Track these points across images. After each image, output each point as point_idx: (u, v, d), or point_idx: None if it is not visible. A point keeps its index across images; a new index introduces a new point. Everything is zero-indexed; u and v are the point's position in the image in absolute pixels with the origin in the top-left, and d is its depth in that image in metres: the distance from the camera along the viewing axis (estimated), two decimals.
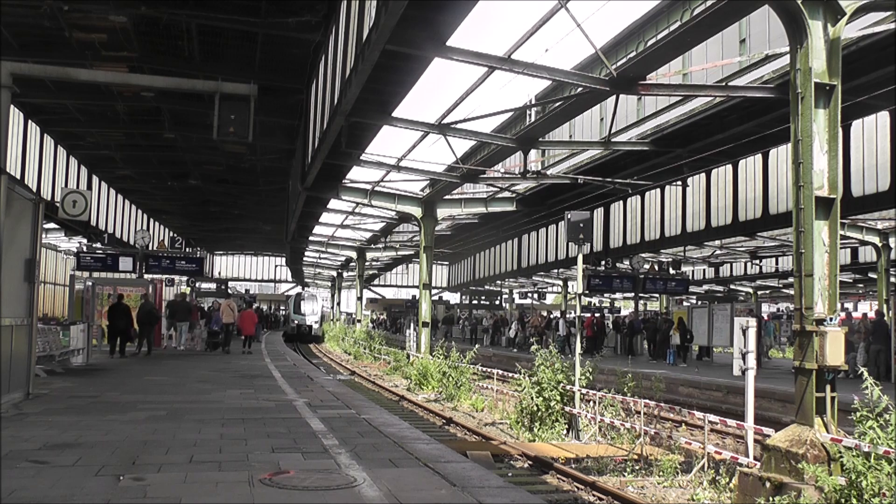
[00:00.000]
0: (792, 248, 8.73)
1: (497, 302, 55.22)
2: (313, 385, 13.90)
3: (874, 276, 27.67)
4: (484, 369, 18.49)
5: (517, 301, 56.20)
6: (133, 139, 25.85)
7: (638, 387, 11.94)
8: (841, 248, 17.68)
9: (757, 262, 35.20)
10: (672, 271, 31.10)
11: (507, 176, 22.99)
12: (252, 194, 34.45)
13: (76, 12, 15.61)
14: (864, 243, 25.56)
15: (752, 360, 9.16)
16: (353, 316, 48.11)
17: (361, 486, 5.43)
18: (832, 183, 7.93)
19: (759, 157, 21.13)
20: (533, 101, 21.01)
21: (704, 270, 41.65)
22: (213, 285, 51.82)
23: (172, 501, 4.93)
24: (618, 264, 30.34)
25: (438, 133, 16.99)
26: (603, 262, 29.27)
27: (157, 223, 44.15)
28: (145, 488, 5.25)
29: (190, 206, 38.54)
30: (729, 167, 22.48)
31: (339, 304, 58.64)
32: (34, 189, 23.02)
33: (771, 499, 7.11)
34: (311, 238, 38.19)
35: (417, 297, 29.83)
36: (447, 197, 24.36)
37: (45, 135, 25.26)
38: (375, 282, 65.74)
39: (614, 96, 14.09)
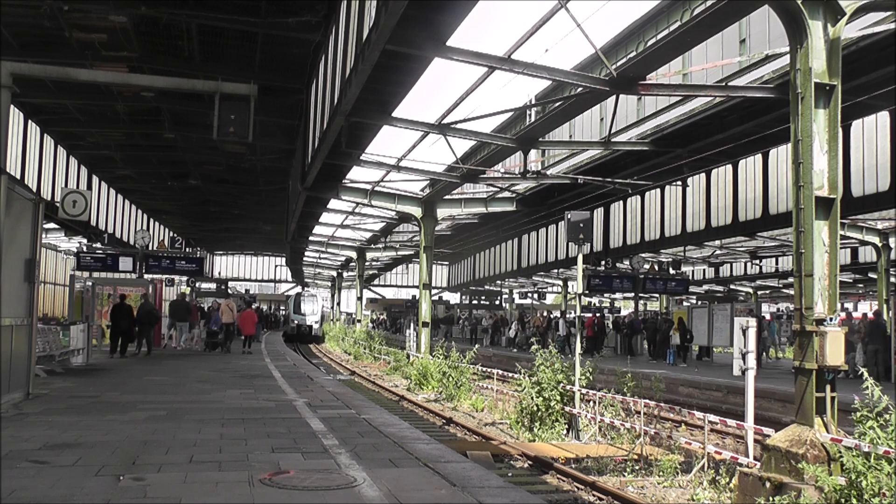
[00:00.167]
0: (792, 248, 8.73)
1: (497, 302, 55.22)
2: (313, 385, 13.90)
3: (874, 276, 27.67)
4: (484, 369, 18.50)
5: (517, 301, 56.20)
6: (133, 139, 25.84)
7: (638, 387, 11.94)
8: (841, 248, 17.68)
9: (757, 262, 35.20)
10: (672, 271, 31.11)
11: (507, 176, 22.99)
12: (252, 194, 34.44)
13: (76, 12, 15.60)
14: (864, 243, 25.56)
15: (751, 360, 9.16)
16: (353, 316, 48.11)
17: (361, 486, 5.43)
18: (832, 183, 7.93)
19: (759, 157, 21.13)
20: (533, 101, 21.00)
21: (704, 270, 41.65)
22: (213, 285, 51.81)
23: (172, 501, 4.93)
24: (618, 264, 30.35)
25: (438, 133, 16.98)
26: (603, 262, 29.27)
27: (157, 223, 44.14)
28: (145, 488, 5.25)
29: (190, 206, 38.53)
30: (729, 167, 22.48)
31: (339, 304, 58.64)
32: (34, 189, 23.02)
33: (771, 499, 7.11)
34: (311, 238, 38.19)
35: (417, 297, 29.83)
36: (447, 197, 24.35)
37: (45, 135, 25.26)
38: (375, 282, 65.74)
39: (614, 96, 14.09)
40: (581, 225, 12.72)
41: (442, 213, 24.64)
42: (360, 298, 43.60)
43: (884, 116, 17.50)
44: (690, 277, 35.00)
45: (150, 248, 24.94)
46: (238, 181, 31.65)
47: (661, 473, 9.13)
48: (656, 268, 30.45)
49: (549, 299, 59.03)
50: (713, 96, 15.43)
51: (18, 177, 22.10)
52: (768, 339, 29.06)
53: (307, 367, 20.16)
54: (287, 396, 11.57)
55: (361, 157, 19.92)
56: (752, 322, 9.40)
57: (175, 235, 45.51)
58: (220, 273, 63.41)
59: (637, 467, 9.70)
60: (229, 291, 50.58)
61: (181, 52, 17.70)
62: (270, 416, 9.13)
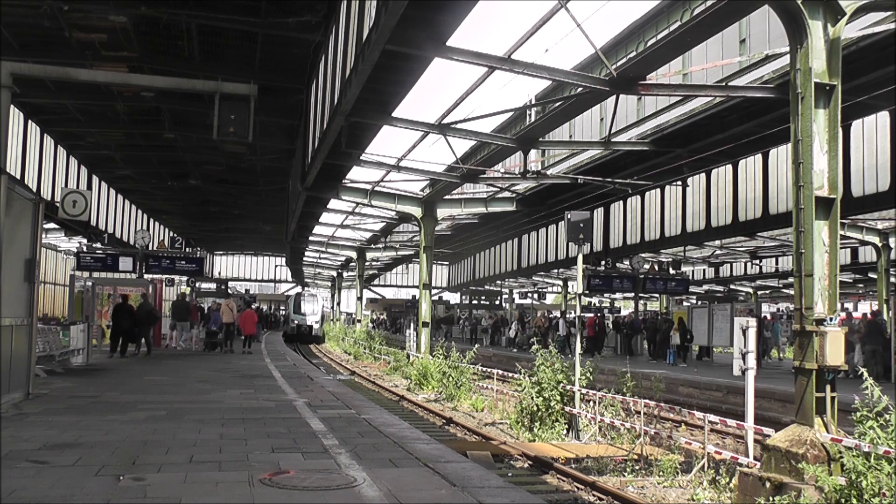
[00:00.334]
0: (792, 248, 8.73)
1: (497, 302, 55.22)
2: (313, 385, 13.90)
3: (874, 276, 27.67)
4: (484, 369, 18.50)
5: (517, 301, 56.19)
6: (133, 139, 25.84)
7: (638, 387, 11.95)
8: (841, 248, 17.68)
9: (757, 262, 35.21)
10: (672, 271, 31.11)
11: (507, 176, 22.99)
12: (252, 194, 34.45)
13: (76, 12, 15.60)
14: (864, 243, 25.58)
15: (751, 360, 9.16)
16: (353, 316, 48.10)
17: (361, 486, 5.43)
18: (832, 183, 7.93)
19: (759, 157, 21.13)
20: (533, 101, 21.01)
21: (704, 270, 41.66)
22: (213, 285, 51.80)
23: (172, 501, 4.93)
24: (618, 264, 30.35)
25: (438, 133, 16.98)
26: (603, 262, 29.27)
27: (157, 223, 44.15)
28: (145, 488, 5.25)
29: (190, 206, 38.54)
30: (729, 167, 22.48)
31: (339, 304, 58.63)
32: (34, 189, 23.02)
33: (771, 499, 7.11)
34: (311, 238, 38.19)
35: (417, 297, 29.82)
36: (447, 197, 24.36)
37: (45, 135, 25.26)
38: (375, 282, 65.74)
39: (614, 96, 14.09)
40: (581, 225, 12.72)
41: (442, 213, 24.64)
42: (360, 298, 43.60)
43: (884, 116, 17.50)
44: (690, 277, 35.01)
45: (150, 248, 24.94)
46: (238, 181, 31.65)
47: (661, 473, 9.13)
48: (656, 268, 30.45)
49: (549, 299, 59.03)
50: (713, 96, 15.43)
51: (18, 177, 22.10)
52: (772, 339, 29.09)
53: (307, 367, 20.16)
54: (287, 396, 11.57)
55: (361, 157, 19.92)
56: (752, 322, 9.40)
57: (175, 235, 45.51)
58: (220, 273, 63.41)
59: (637, 467, 9.70)
60: (229, 291, 50.58)
61: (181, 52, 17.70)
62: (270, 416, 9.13)
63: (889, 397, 7.05)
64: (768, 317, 34.41)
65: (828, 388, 7.64)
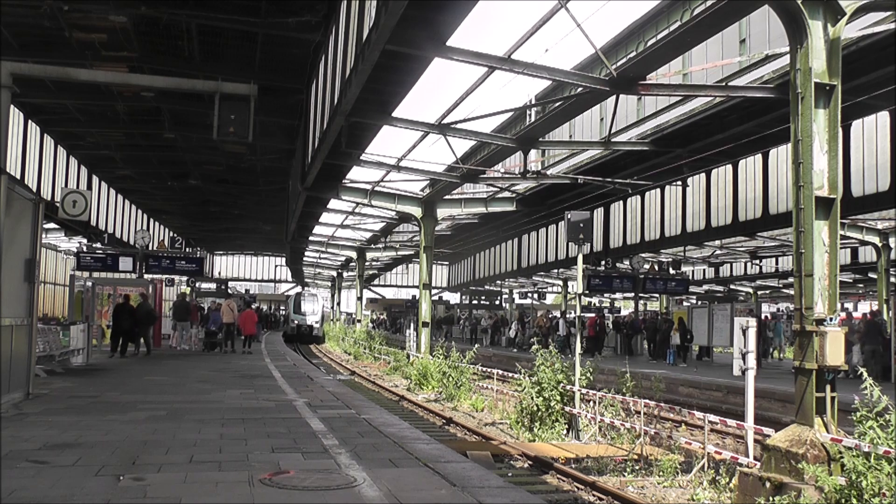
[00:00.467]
0: (792, 248, 8.73)
1: (497, 302, 55.23)
2: (313, 385, 13.90)
3: (874, 276, 27.67)
4: (484, 369, 18.50)
5: (517, 301, 56.20)
6: (133, 139, 25.85)
7: (638, 387, 11.94)
8: (841, 248, 17.68)
9: (757, 262, 35.20)
10: (672, 271, 31.11)
11: (507, 176, 22.99)
12: (252, 194, 34.45)
13: (76, 12, 15.60)
14: (864, 243, 25.58)
15: (751, 360, 9.16)
16: (353, 316, 48.09)
17: (361, 486, 5.43)
18: (832, 183, 7.93)
19: (759, 157, 21.13)
20: (533, 101, 21.01)
21: (704, 270, 41.65)
22: (213, 285, 51.81)
23: (172, 501, 4.93)
24: (618, 264, 30.34)
25: (438, 133, 16.99)
26: (603, 262, 29.27)
27: (157, 223, 44.15)
28: (145, 488, 5.25)
29: (190, 206, 38.54)
30: (729, 167, 22.48)
31: (339, 304, 58.61)
32: (34, 189, 23.02)
33: (771, 499, 7.11)
34: (311, 238, 38.19)
35: (417, 297, 29.83)
36: (447, 197, 24.36)
37: (45, 135, 25.26)
38: (375, 282, 65.74)
39: (614, 96, 14.09)
40: (581, 225, 12.72)
41: (442, 213, 24.64)
42: (360, 298, 43.61)
43: (884, 116, 17.50)
44: (690, 277, 35.01)
45: (150, 248, 24.94)
46: (238, 181, 31.66)
47: (661, 473, 9.13)
48: (656, 268, 30.45)
49: (549, 299, 59.04)
50: (713, 96, 15.43)
51: (18, 177, 22.11)
52: (775, 339, 29.07)
53: (307, 367, 20.16)
54: (287, 396, 11.57)
55: (361, 157, 19.92)
56: (752, 322, 9.40)
57: (175, 235, 45.51)
58: (220, 273, 63.42)
59: (637, 467, 9.70)
60: (229, 291, 50.59)
61: (181, 52, 17.70)
62: (270, 416, 9.13)
63: (889, 397, 7.05)
64: (768, 316, 34.43)
65: (828, 388, 7.63)
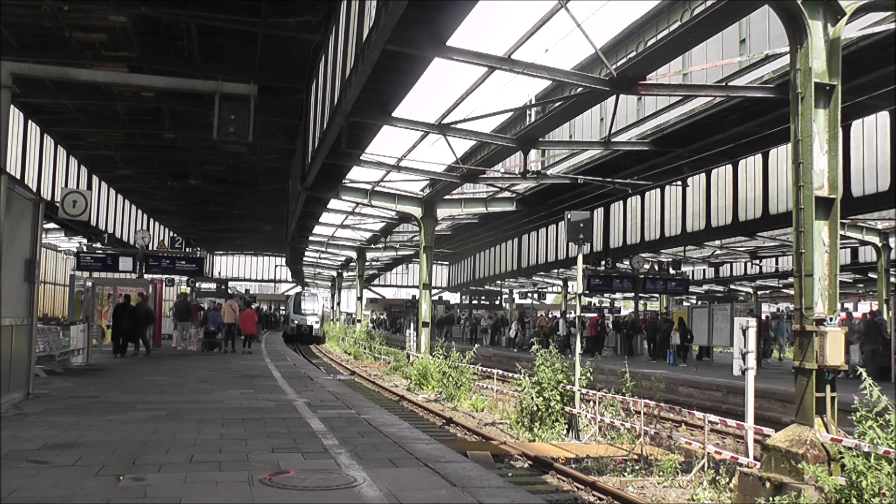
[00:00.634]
0: (792, 248, 8.73)
1: (497, 302, 55.23)
2: (313, 385, 13.91)
3: (874, 276, 27.67)
4: (484, 369, 18.50)
5: (517, 301, 56.20)
6: (133, 139, 25.85)
7: (638, 387, 11.94)
8: (841, 248, 17.68)
9: (757, 262, 35.19)
10: (672, 271, 31.09)
11: (507, 176, 22.99)
12: (252, 194, 34.45)
13: (76, 12, 15.61)
14: (864, 243, 25.58)
15: (751, 360, 9.16)
16: (353, 316, 48.08)
17: (361, 486, 5.43)
18: (832, 183, 7.93)
19: (759, 157, 21.13)
20: (533, 101, 21.01)
21: (704, 270, 41.64)
22: (213, 285, 51.81)
23: (172, 501, 4.93)
24: (618, 264, 30.34)
25: (438, 133, 16.99)
26: (603, 262, 29.26)
27: (157, 223, 44.16)
28: (145, 488, 5.25)
29: (190, 206, 38.55)
30: (729, 167, 22.48)
31: (339, 304, 58.59)
32: (34, 189, 23.03)
33: (771, 499, 7.11)
34: (311, 238, 38.19)
35: (417, 297, 29.83)
36: (447, 197, 24.36)
37: (45, 135, 25.26)
38: (375, 282, 65.73)
39: (614, 96, 14.09)
40: (581, 225, 12.72)
41: (442, 213, 24.64)
42: (360, 298, 43.60)
43: (884, 116, 17.50)
44: (690, 277, 35.00)
45: (150, 248, 24.94)
46: (238, 181, 31.66)
47: (661, 473, 9.13)
48: (656, 268, 30.44)
49: (549, 299, 59.05)
50: (713, 96, 15.43)
51: (18, 177, 22.11)
52: (779, 338, 29.04)
53: (307, 367, 20.16)
54: (287, 396, 11.57)
55: (361, 157, 19.92)
56: (752, 322, 9.40)
57: (175, 235, 45.51)
58: (220, 273, 63.40)
59: (637, 467, 9.70)
60: (229, 291, 50.58)
61: (181, 52, 17.70)
62: (270, 416, 9.13)
63: (888, 397, 7.05)
64: (768, 316, 34.42)
65: (828, 388, 7.63)
